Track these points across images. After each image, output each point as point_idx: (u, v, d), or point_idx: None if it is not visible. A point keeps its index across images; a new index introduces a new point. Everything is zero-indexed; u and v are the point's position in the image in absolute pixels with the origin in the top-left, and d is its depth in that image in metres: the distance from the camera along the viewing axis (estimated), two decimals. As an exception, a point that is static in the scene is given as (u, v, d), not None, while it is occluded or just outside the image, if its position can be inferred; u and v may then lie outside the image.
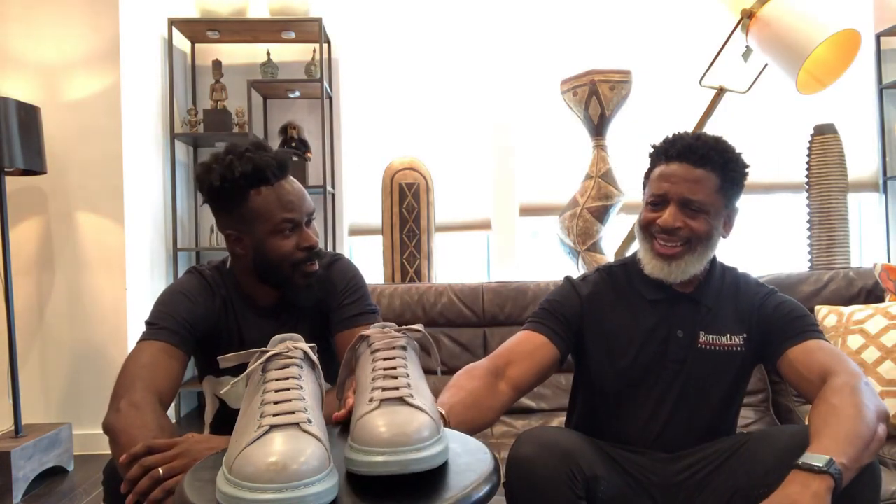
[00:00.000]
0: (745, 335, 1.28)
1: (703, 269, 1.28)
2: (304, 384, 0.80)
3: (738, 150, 1.27)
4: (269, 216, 1.24)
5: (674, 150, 1.25)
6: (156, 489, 0.93)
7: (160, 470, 0.94)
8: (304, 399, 0.77)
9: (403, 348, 0.88)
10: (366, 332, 0.91)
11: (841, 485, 0.92)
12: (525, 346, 1.27)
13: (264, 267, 1.28)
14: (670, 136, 1.29)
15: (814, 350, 1.19)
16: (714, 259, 1.32)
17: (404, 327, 0.92)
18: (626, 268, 1.37)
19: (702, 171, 1.22)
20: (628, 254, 2.61)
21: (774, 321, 1.26)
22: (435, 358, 1.01)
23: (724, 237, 1.29)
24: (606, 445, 1.23)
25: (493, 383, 1.21)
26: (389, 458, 0.73)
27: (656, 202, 1.26)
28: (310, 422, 0.74)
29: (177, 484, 0.93)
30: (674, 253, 1.23)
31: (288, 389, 0.77)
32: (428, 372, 2.07)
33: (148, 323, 1.24)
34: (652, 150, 1.32)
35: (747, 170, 1.27)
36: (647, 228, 1.27)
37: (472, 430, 1.12)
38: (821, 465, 0.92)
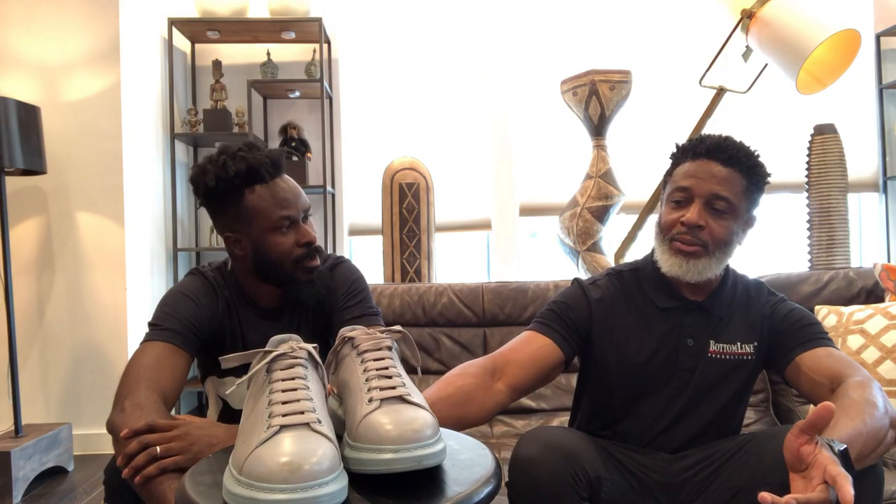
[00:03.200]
0: (755, 344, 1.28)
1: (717, 275, 1.27)
2: (311, 384, 0.80)
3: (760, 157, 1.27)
4: (265, 214, 1.24)
5: (702, 148, 1.23)
6: (151, 466, 0.95)
7: (157, 448, 0.97)
8: (311, 399, 0.77)
9: (390, 348, 0.89)
10: (349, 334, 0.90)
11: None
12: (527, 346, 1.27)
13: (265, 266, 1.28)
14: (695, 136, 1.29)
15: (824, 356, 1.18)
16: (728, 267, 1.31)
17: (386, 328, 0.92)
18: (636, 273, 1.36)
19: (729, 170, 1.21)
20: (628, 253, 2.64)
21: (784, 329, 1.26)
22: (416, 359, 1.03)
23: (739, 244, 1.28)
24: (609, 445, 1.23)
25: (487, 382, 1.20)
26: (401, 454, 0.74)
27: (680, 199, 1.24)
28: (319, 422, 0.74)
29: (172, 464, 0.95)
30: (692, 251, 1.22)
31: (295, 389, 0.78)
32: (427, 372, 2.09)
33: (151, 324, 1.24)
34: (676, 149, 1.31)
35: (769, 178, 1.27)
36: (668, 230, 1.25)
37: (456, 427, 1.12)
38: (840, 448, 0.91)
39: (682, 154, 1.28)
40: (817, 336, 1.23)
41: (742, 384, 1.28)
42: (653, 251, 1.35)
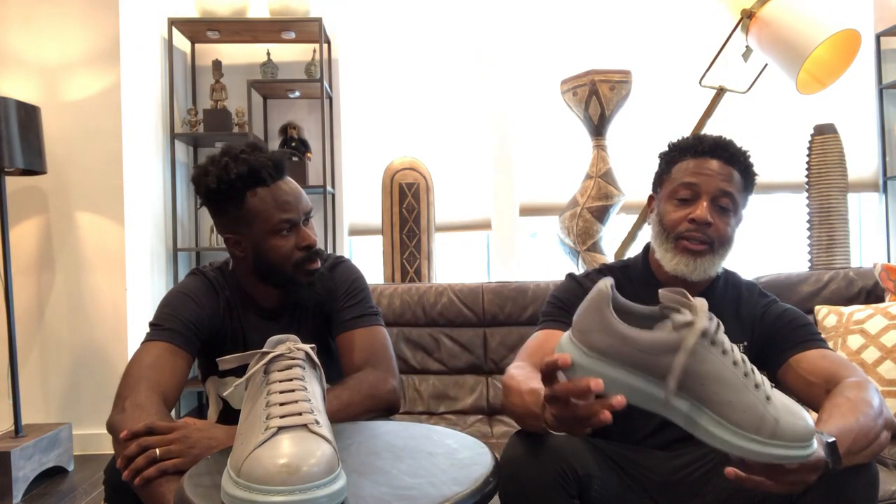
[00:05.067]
0: (744, 343, 1.27)
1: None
2: (309, 385, 0.80)
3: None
4: (266, 217, 1.24)
5: (704, 146, 1.24)
6: (150, 468, 0.96)
7: (157, 451, 0.97)
8: (309, 400, 0.77)
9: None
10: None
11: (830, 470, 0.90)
12: (551, 344, 1.23)
13: (265, 268, 1.28)
14: (688, 136, 1.29)
15: (818, 358, 1.18)
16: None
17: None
18: (626, 271, 1.36)
19: (730, 168, 1.23)
20: (628, 254, 2.64)
21: (776, 330, 1.25)
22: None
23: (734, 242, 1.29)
24: (602, 444, 1.23)
25: None
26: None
27: (686, 197, 1.24)
28: (317, 423, 0.74)
29: (172, 466, 0.95)
30: (700, 250, 1.22)
31: (293, 391, 0.77)
32: (427, 372, 2.09)
33: (152, 324, 1.24)
34: (668, 149, 1.30)
35: (757, 178, 1.29)
36: (673, 228, 1.24)
37: None
38: (829, 440, 0.89)
39: (681, 152, 1.27)
40: (811, 337, 1.22)
41: None
42: (644, 251, 1.35)
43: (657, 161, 1.34)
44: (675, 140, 1.31)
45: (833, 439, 0.90)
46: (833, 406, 1.01)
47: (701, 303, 0.81)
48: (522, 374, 1.08)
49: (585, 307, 0.82)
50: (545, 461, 1.03)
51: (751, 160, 1.26)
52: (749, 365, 0.82)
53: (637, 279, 1.33)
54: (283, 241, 1.26)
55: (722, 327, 0.82)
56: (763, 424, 0.78)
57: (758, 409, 0.78)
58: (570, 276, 1.39)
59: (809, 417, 0.82)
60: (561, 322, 1.29)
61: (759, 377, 0.82)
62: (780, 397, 0.82)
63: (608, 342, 0.79)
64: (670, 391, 0.78)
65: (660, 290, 0.85)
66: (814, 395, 1.15)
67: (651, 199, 1.36)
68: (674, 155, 1.29)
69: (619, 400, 0.77)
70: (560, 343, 0.84)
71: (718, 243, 1.23)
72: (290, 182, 1.28)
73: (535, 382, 1.01)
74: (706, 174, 1.22)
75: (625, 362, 0.79)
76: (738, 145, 1.26)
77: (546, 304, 1.35)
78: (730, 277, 1.35)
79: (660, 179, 1.31)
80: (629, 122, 3.38)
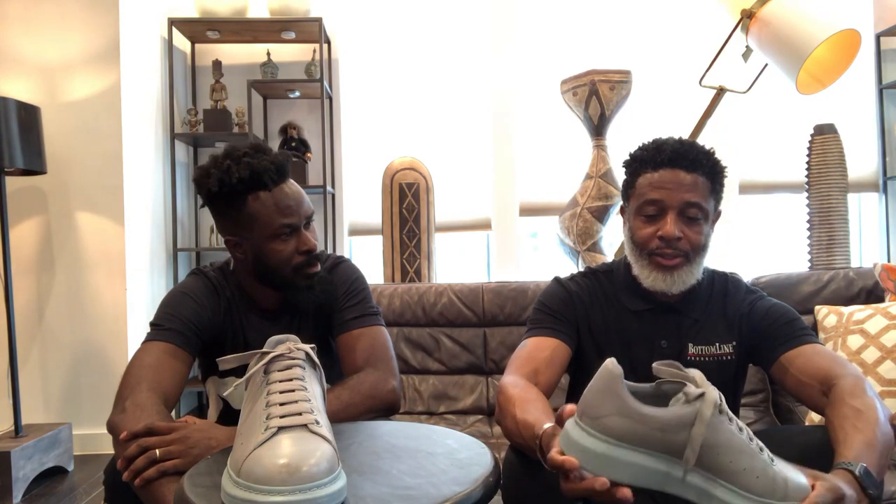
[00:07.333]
0: (734, 343, 1.27)
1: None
2: (309, 385, 0.80)
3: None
4: (267, 221, 1.23)
5: (662, 157, 1.21)
6: (150, 469, 0.96)
7: (157, 451, 0.97)
8: (310, 400, 0.77)
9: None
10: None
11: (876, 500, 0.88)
12: (542, 353, 1.24)
13: (264, 271, 1.28)
14: (648, 143, 1.26)
15: (810, 354, 1.16)
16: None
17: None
18: (610, 275, 1.36)
19: (694, 175, 1.20)
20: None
21: (765, 326, 1.24)
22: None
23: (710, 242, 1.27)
24: None
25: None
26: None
27: (652, 213, 1.22)
28: (317, 423, 0.74)
29: (172, 467, 0.96)
30: (675, 265, 1.21)
31: (293, 391, 0.77)
32: (427, 372, 2.09)
33: (153, 324, 1.24)
34: (630, 159, 1.27)
35: (726, 173, 1.26)
36: (644, 245, 1.23)
37: None
38: (860, 470, 0.88)
39: (641, 165, 1.24)
40: (799, 333, 1.21)
41: (727, 383, 1.27)
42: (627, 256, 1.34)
43: (622, 170, 1.31)
44: (635, 150, 1.28)
45: (863, 465, 0.87)
46: (842, 418, 0.98)
47: (698, 374, 0.80)
48: (518, 397, 1.06)
49: (597, 391, 0.77)
50: None
51: (715, 158, 1.23)
52: (748, 429, 0.81)
53: (620, 282, 1.32)
54: (284, 246, 1.26)
55: (723, 398, 0.79)
56: (775, 487, 0.77)
57: (768, 473, 0.77)
58: (556, 279, 1.38)
59: (801, 472, 0.81)
60: (550, 329, 1.28)
61: (759, 441, 0.81)
62: (777, 458, 0.81)
63: (626, 425, 0.75)
64: (690, 466, 0.75)
65: (654, 365, 0.82)
66: (807, 393, 1.14)
67: (623, 210, 1.34)
68: (635, 167, 1.26)
69: (624, 493, 0.75)
70: (566, 431, 0.79)
71: (693, 253, 1.21)
72: (292, 185, 1.27)
73: (530, 412, 0.99)
74: (669, 188, 1.19)
75: (641, 444, 0.75)
76: (700, 147, 1.22)
77: (534, 311, 1.34)
78: (714, 276, 1.33)
79: (627, 192, 1.29)
80: (629, 122, 3.38)
